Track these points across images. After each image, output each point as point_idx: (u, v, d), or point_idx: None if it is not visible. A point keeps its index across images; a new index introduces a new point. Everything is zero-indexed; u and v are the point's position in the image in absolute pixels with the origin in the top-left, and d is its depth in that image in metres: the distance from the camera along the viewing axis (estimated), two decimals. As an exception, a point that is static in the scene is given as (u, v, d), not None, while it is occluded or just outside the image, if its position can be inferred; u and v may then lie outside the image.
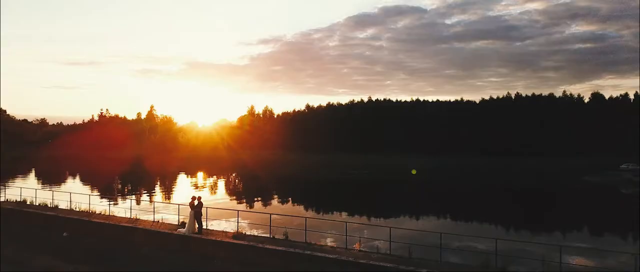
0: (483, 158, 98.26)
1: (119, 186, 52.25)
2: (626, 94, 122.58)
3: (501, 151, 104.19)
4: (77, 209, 27.80)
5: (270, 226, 19.57)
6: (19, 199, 30.66)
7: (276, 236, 18.65)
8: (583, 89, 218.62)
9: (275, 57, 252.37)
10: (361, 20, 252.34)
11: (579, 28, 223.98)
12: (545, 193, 55.07)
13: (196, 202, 20.69)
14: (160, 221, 22.74)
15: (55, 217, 22.86)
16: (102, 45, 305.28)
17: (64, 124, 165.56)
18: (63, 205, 28.91)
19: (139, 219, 23.75)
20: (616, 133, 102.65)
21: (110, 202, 35.36)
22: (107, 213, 26.22)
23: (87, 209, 27.09)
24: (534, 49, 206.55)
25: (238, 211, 22.40)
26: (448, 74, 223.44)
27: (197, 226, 20.51)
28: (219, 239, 17.91)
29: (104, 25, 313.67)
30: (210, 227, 21.62)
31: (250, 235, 19.10)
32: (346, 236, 18.06)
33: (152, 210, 23.55)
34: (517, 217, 36.18)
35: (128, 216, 25.14)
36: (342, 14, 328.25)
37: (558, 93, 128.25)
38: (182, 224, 21.82)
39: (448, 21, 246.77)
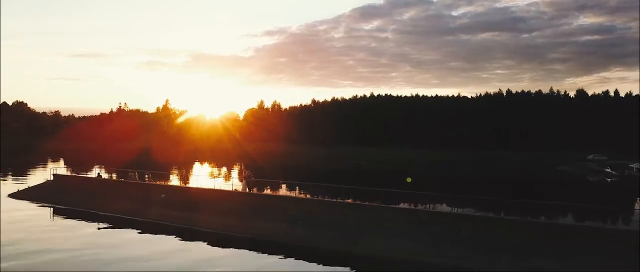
0: (481, 153, 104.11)
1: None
2: (607, 91, 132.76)
3: (495, 146, 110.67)
4: (157, 183, 39.11)
5: (296, 191, 30.90)
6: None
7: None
8: (590, 82, 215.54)
9: (279, 49, 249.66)
10: (366, 12, 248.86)
11: (586, 20, 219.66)
12: (519, 182, 64.27)
13: (247, 173, 32.19)
14: (219, 188, 33.91)
15: (151, 185, 34.11)
16: (107, 38, 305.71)
17: (75, 116, 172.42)
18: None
19: (203, 187, 35.00)
20: (601, 129, 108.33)
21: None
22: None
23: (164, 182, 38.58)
24: (541, 41, 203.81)
25: (271, 180, 33.56)
26: (454, 66, 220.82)
27: (247, 190, 31.81)
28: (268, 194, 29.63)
29: (108, 18, 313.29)
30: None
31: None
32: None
33: (213, 183, 34.88)
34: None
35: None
36: (348, 5, 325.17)
37: (546, 89, 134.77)
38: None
39: (454, 13, 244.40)
